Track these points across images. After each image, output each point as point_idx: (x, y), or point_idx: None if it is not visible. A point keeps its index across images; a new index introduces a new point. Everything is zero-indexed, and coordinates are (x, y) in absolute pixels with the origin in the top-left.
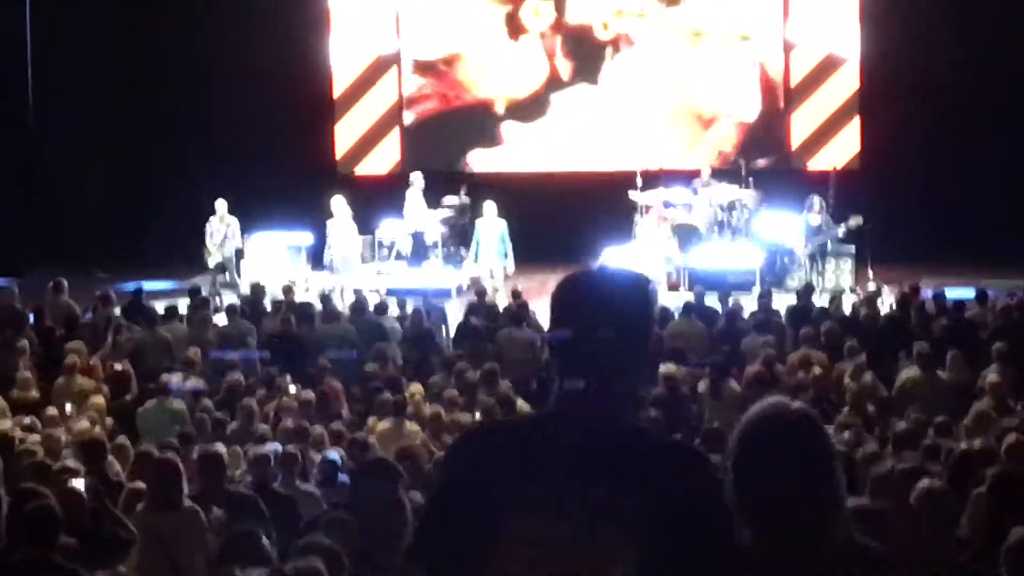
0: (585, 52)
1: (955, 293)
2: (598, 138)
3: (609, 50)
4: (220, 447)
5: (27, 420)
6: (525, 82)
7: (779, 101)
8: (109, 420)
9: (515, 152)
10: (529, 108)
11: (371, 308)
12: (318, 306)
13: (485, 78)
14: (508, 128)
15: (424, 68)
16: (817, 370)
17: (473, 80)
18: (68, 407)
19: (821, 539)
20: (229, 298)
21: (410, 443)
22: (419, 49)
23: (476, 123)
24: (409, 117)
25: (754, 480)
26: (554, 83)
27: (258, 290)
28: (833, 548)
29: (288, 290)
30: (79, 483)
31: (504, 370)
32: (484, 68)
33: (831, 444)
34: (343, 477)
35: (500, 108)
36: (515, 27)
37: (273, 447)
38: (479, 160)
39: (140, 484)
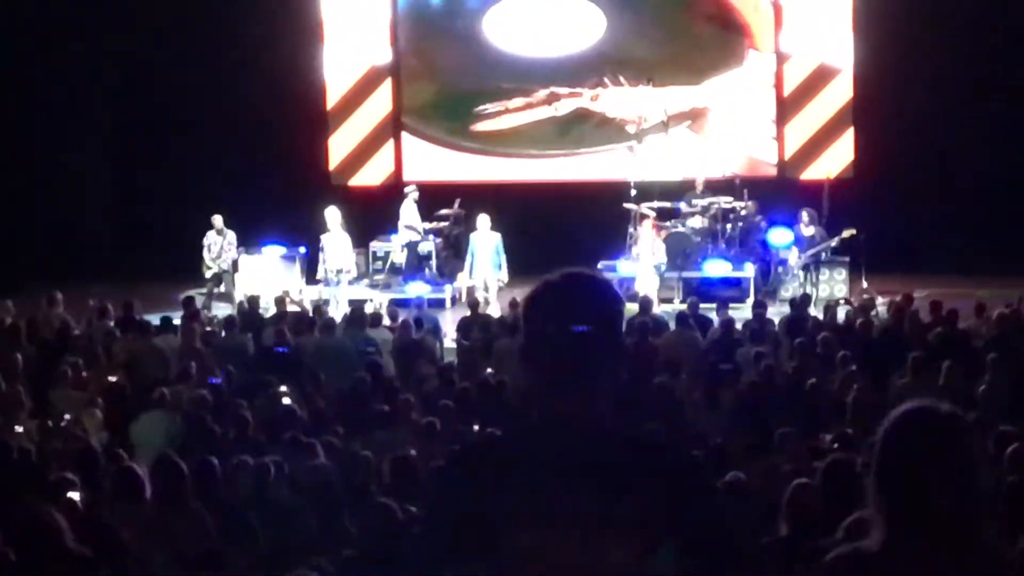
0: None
1: (949, 303)
2: (593, 148)
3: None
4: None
5: (19, 430)
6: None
7: (772, 111)
8: (104, 433)
9: (510, 162)
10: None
11: (365, 319)
12: (313, 318)
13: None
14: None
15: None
16: (813, 380)
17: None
18: (66, 418)
19: (967, 540)
20: (224, 310)
21: (403, 454)
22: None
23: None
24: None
25: (902, 477)
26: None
27: (253, 302)
28: (979, 551)
29: (281, 301)
30: (75, 495)
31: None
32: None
33: (979, 448)
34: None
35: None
36: None
37: (268, 458)
38: (473, 170)
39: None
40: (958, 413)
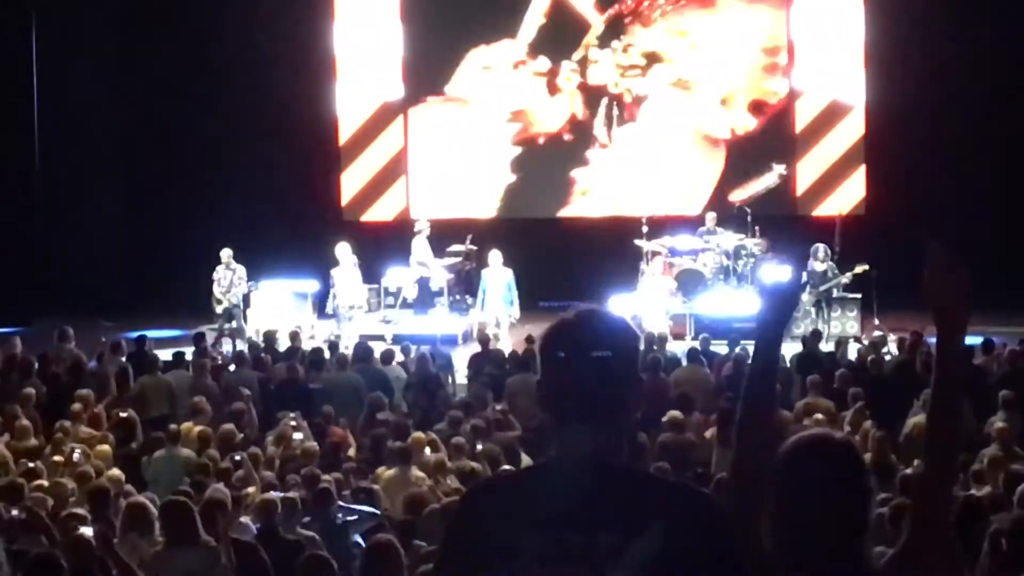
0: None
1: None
2: (604, 185)
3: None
4: (224, 493)
5: (31, 465)
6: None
7: (786, 148)
8: (115, 469)
9: (522, 199)
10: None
11: (377, 356)
12: (325, 353)
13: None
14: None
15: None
16: (819, 416)
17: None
18: (76, 454)
19: (844, 560)
20: (236, 345)
21: (418, 491)
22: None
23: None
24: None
25: (793, 496)
26: (573, 129)
27: (270, 337)
28: (853, 570)
29: (295, 337)
30: (87, 530)
31: (513, 417)
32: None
33: (868, 474)
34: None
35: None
36: (552, 87)
37: (279, 494)
38: (485, 206)
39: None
40: (850, 441)
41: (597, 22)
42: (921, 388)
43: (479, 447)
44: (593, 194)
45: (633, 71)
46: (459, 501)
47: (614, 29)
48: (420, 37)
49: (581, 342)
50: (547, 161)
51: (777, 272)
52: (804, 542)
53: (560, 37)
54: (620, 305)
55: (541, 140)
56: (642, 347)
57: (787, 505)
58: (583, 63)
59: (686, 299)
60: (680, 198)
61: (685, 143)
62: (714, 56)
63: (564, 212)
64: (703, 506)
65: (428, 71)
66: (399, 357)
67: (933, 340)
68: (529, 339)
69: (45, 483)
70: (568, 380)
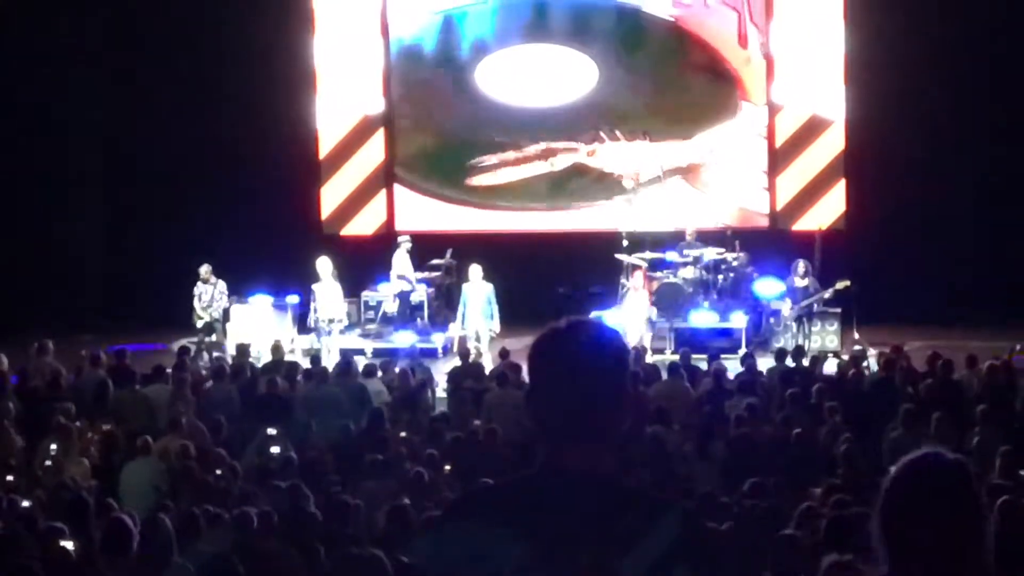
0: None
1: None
2: (588, 201)
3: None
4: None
5: (10, 478)
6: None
7: (764, 162)
8: (94, 481)
9: (503, 214)
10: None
11: (358, 370)
12: (305, 367)
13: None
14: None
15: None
16: (799, 430)
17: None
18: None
19: None
20: (215, 359)
21: (401, 503)
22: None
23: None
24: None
25: (907, 524)
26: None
27: (243, 351)
28: None
29: (276, 350)
30: (68, 544)
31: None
32: None
33: (982, 496)
34: None
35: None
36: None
37: (256, 507)
38: (465, 221)
39: None
40: (963, 462)
41: None
42: (900, 402)
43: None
44: (574, 208)
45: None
46: (443, 514)
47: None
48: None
49: (572, 354)
50: (533, 183)
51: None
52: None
53: None
54: (602, 319)
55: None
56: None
57: (904, 530)
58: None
59: (666, 313)
60: (660, 212)
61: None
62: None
63: (544, 226)
64: (690, 523)
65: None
66: (379, 372)
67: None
68: (503, 353)
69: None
70: (558, 393)
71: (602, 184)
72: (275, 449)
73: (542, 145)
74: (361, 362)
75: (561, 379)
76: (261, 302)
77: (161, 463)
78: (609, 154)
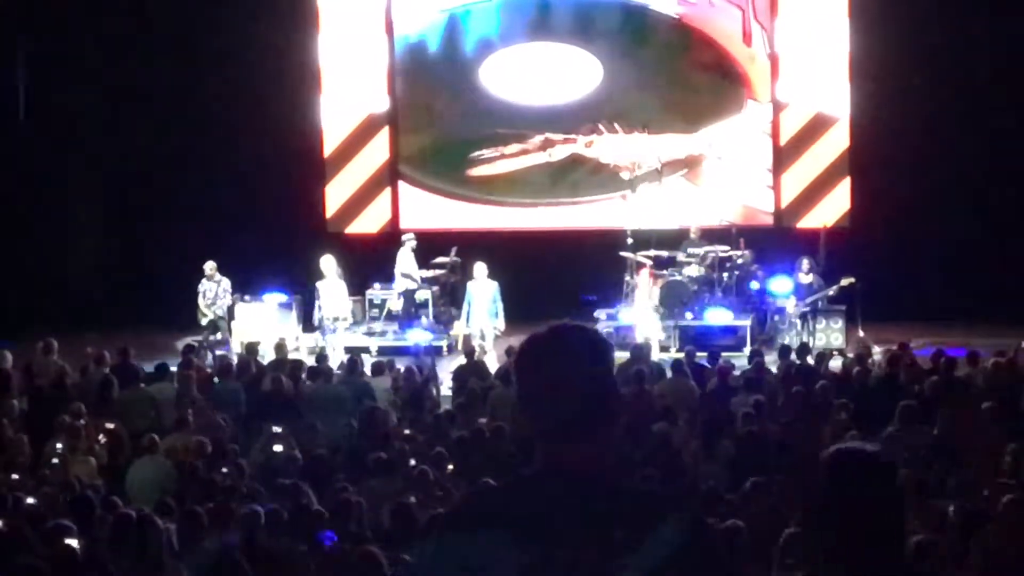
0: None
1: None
2: (588, 195)
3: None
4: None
5: (16, 477)
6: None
7: (769, 160)
8: (99, 480)
9: (507, 211)
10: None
11: (364, 368)
12: (310, 365)
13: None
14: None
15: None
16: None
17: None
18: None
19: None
20: (221, 357)
21: (405, 502)
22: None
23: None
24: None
25: (827, 517)
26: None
27: (252, 349)
28: None
29: (281, 348)
30: (73, 541)
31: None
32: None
33: (901, 491)
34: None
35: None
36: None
37: (262, 506)
38: (470, 218)
39: None
40: (886, 456)
41: None
42: (906, 398)
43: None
44: (575, 204)
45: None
46: (444, 514)
47: None
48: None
49: (555, 361)
50: (532, 174)
51: None
52: (848, 554)
53: None
54: (611, 317)
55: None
56: (627, 357)
57: (832, 518)
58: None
59: (671, 311)
60: (665, 210)
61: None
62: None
63: (549, 224)
64: (692, 522)
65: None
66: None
67: (918, 351)
68: (509, 351)
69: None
70: (546, 399)
71: (600, 176)
72: (278, 448)
73: (542, 137)
74: (367, 360)
75: (546, 386)
76: (266, 300)
77: (167, 461)
78: (607, 145)
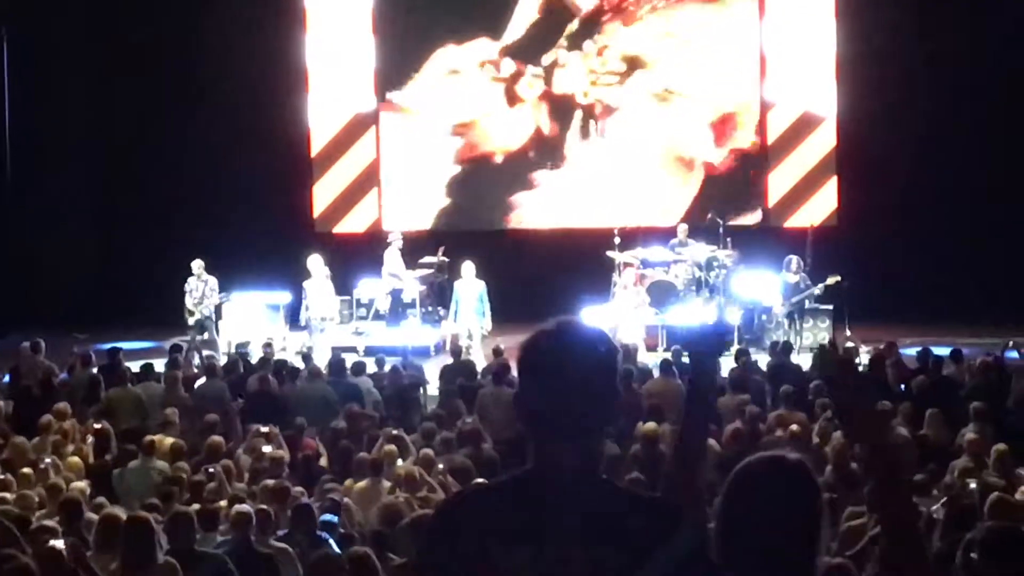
0: (567, 117)
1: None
2: (577, 197)
3: (588, 117)
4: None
5: (2, 477)
6: (515, 142)
7: (756, 159)
8: (86, 480)
9: (494, 210)
10: (511, 171)
11: (346, 367)
12: (297, 365)
13: (484, 140)
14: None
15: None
16: (795, 428)
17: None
18: (46, 463)
19: None
20: (207, 357)
21: (393, 502)
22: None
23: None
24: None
25: (744, 522)
26: (539, 143)
27: (243, 349)
28: None
29: (268, 347)
30: (58, 543)
31: (485, 429)
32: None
33: (821, 495)
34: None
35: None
36: (511, 96)
37: (251, 507)
38: (460, 219)
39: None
40: (802, 462)
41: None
42: (892, 398)
43: (450, 459)
44: (564, 206)
45: (608, 78)
46: (434, 514)
47: (588, 28)
48: (393, 46)
49: (562, 355)
50: (513, 173)
51: (702, 314)
52: (755, 562)
53: (543, 36)
54: (594, 316)
55: (499, 158)
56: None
57: (738, 524)
58: (550, 69)
59: (658, 311)
60: (652, 210)
61: (659, 160)
62: (701, 62)
63: (535, 224)
64: (678, 521)
65: (400, 80)
66: (372, 369)
67: (904, 350)
68: (496, 351)
69: (10, 496)
70: (549, 393)
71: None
72: (267, 448)
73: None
74: (351, 360)
75: (551, 380)
76: (253, 299)
77: (159, 462)
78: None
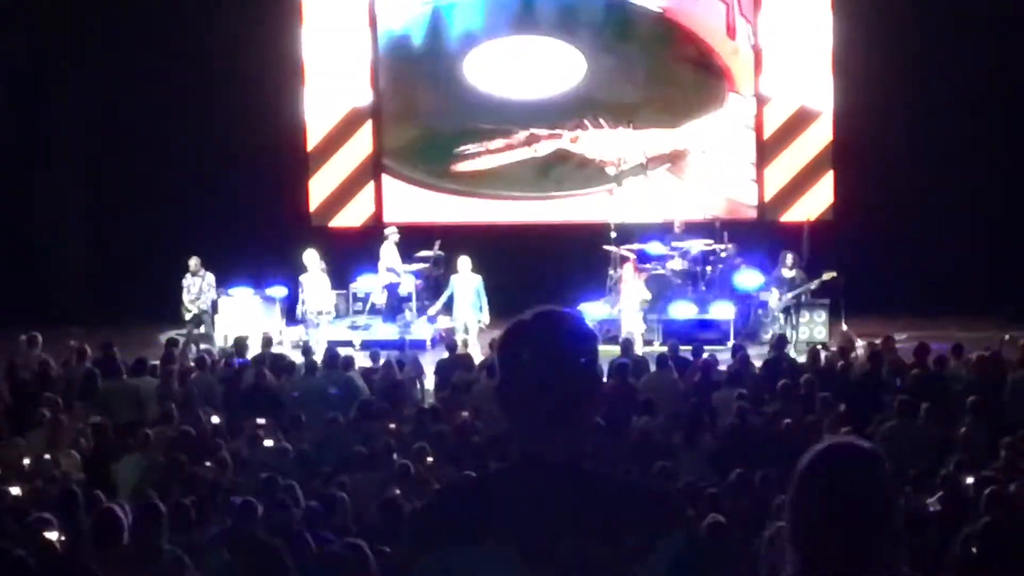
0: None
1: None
2: (573, 190)
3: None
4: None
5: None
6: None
7: (752, 154)
8: (82, 474)
9: (491, 204)
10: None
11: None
12: (295, 359)
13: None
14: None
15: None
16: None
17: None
18: (45, 458)
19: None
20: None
21: (391, 495)
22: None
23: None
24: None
25: (814, 510)
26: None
27: (241, 344)
28: None
29: (268, 342)
30: (53, 535)
31: (480, 422)
32: None
33: (894, 484)
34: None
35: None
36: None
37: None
38: (454, 212)
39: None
40: (876, 451)
41: None
42: (888, 392)
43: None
44: (559, 197)
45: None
46: (422, 508)
47: None
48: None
49: (541, 343)
50: (517, 169)
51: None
52: (829, 557)
53: None
54: (595, 310)
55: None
56: (618, 351)
57: (811, 516)
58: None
59: (654, 305)
60: (649, 204)
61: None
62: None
63: (533, 218)
64: (668, 509)
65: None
66: (367, 363)
67: (900, 344)
68: (493, 344)
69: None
70: (529, 382)
71: (585, 171)
72: (268, 442)
73: (526, 132)
74: (347, 354)
75: (529, 370)
76: (249, 294)
77: (154, 455)
78: (592, 141)
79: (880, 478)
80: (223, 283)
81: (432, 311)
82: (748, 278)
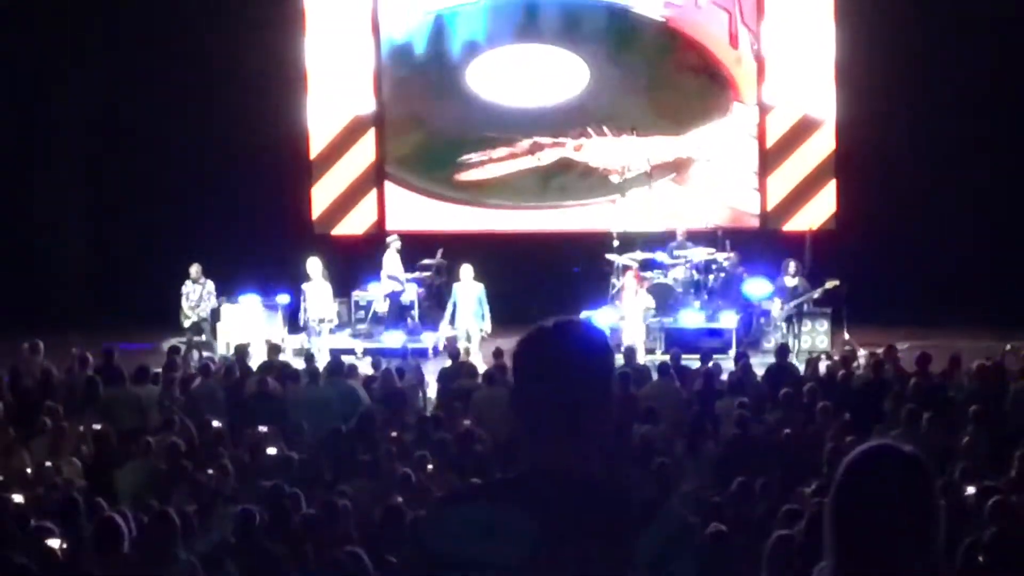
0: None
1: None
2: (576, 199)
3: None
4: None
5: (1, 478)
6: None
7: (755, 163)
8: (84, 481)
9: (493, 213)
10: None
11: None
12: (298, 367)
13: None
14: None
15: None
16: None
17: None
18: (47, 465)
19: None
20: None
21: (394, 502)
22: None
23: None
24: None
25: (855, 514)
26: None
27: (242, 351)
28: None
29: (274, 349)
30: (54, 542)
31: (481, 431)
32: None
33: (937, 490)
34: None
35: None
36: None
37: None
38: (456, 220)
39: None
40: (919, 455)
41: None
42: (890, 401)
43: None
44: (563, 207)
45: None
46: (427, 515)
47: None
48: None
49: (558, 354)
50: (520, 178)
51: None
52: (870, 561)
53: None
54: (597, 318)
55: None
56: (621, 360)
57: (853, 520)
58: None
59: (656, 313)
60: (652, 213)
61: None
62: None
63: (535, 226)
64: (675, 522)
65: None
66: (369, 371)
67: (902, 354)
68: (497, 353)
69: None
70: (544, 392)
71: (589, 180)
72: (272, 450)
73: (529, 140)
74: (350, 362)
75: (547, 379)
76: (251, 301)
77: (157, 462)
78: (595, 149)
79: (923, 481)
80: (225, 290)
81: (443, 325)
82: (757, 287)
